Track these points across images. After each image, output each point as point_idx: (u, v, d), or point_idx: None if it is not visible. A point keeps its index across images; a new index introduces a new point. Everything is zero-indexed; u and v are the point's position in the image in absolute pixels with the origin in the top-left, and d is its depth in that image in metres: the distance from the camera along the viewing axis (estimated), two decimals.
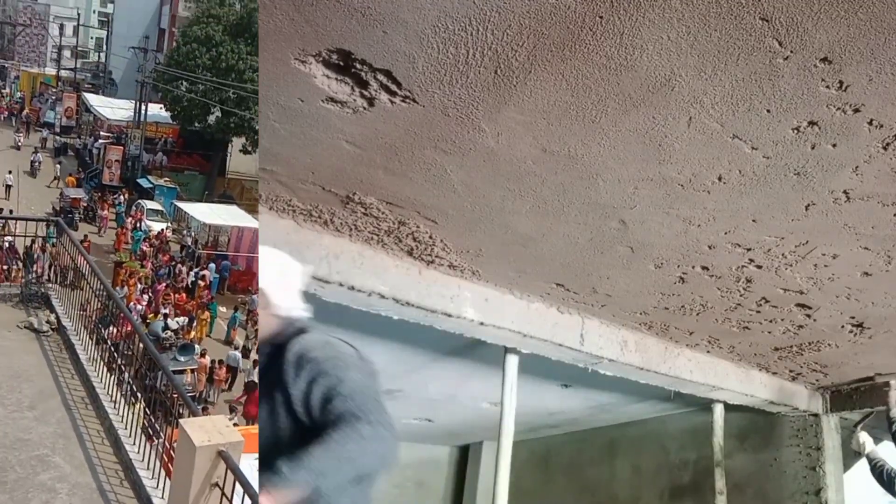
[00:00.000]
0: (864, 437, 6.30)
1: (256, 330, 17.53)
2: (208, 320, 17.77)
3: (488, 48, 2.30)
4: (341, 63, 2.49)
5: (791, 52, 2.16)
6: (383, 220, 3.76)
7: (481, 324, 4.55)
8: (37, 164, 29.59)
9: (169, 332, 14.96)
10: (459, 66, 2.41)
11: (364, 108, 2.73)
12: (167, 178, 29.87)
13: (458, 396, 7.36)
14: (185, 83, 28.57)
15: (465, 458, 10.76)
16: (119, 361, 5.44)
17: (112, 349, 5.60)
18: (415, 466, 10.59)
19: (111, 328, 5.93)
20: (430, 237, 3.96)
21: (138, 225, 24.31)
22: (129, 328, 5.57)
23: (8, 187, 26.11)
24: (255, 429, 9.65)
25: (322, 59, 2.48)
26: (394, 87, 2.57)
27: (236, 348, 16.41)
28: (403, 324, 4.45)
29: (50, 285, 7.00)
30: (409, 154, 3.08)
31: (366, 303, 4.14)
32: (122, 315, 5.60)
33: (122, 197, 27.32)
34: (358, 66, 2.48)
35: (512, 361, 5.20)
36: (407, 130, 2.87)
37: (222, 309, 18.86)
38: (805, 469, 6.96)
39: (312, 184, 3.48)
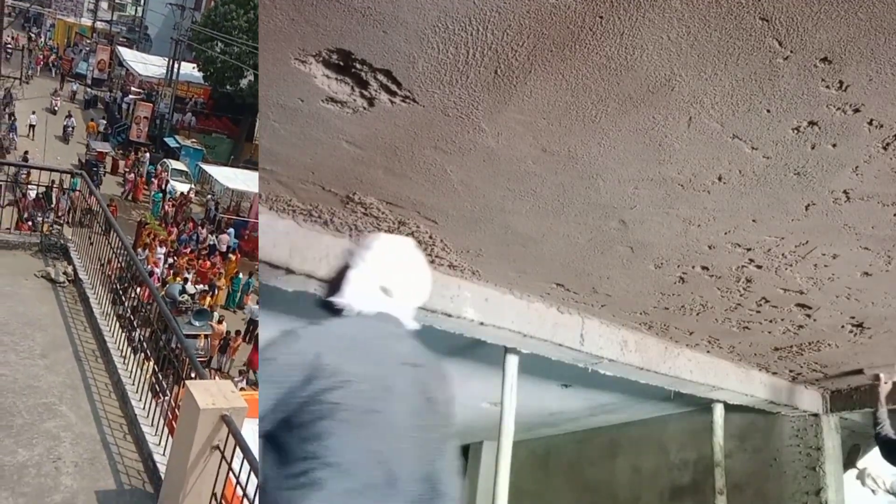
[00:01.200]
0: (876, 472, 6.13)
1: None
2: (225, 288, 17.72)
3: (488, 48, 2.30)
4: (341, 63, 2.49)
5: (791, 52, 2.16)
6: (383, 220, 3.77)
7: (481, 324, 4.55)
8: (70, 129, 28.41)
9: (186, 296, 14.97)
10: (459, 66, 2.41)
11: (364, 108, 2.73)
12: (194, 140, 29.62)
13: (458, 396, 7.33)
14: (220, 44, 28.11)
15: (465, 458, 10.77)
16: (133, 321, 5.44)
17: (129, 311, 5.59)
18: None
19: (129, 290, 5.89)
20: (430, 237, 3.96)
21: (162, 185, 24.06)
22: (147, 290, 5.57)
23: (31, 127, 26.47)
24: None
25: (322, 59, 2.48)
26: (394, 87, 2.57)
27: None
28: None
29: (67, 230, 6.95)
30: (409, 154, 3.08)
31: None
32: (140, 277, 5.59)
33: (147, 155, 27.03)
34: (358, 66, 2.48)
35: (512, 361, 5.20)
36: (407, 130, 2.87)
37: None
38: (805, 469, 6.95)
39: (312, 184, 3.49)
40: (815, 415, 6.96)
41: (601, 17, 2.10)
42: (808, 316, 4.66)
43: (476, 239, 3.94)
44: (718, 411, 7.21)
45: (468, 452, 10.72)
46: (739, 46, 2.16)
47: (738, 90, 2.38)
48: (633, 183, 3.12)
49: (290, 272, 3.79)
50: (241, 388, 10.19)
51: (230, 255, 19.40)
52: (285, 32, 2.36)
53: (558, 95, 2.51)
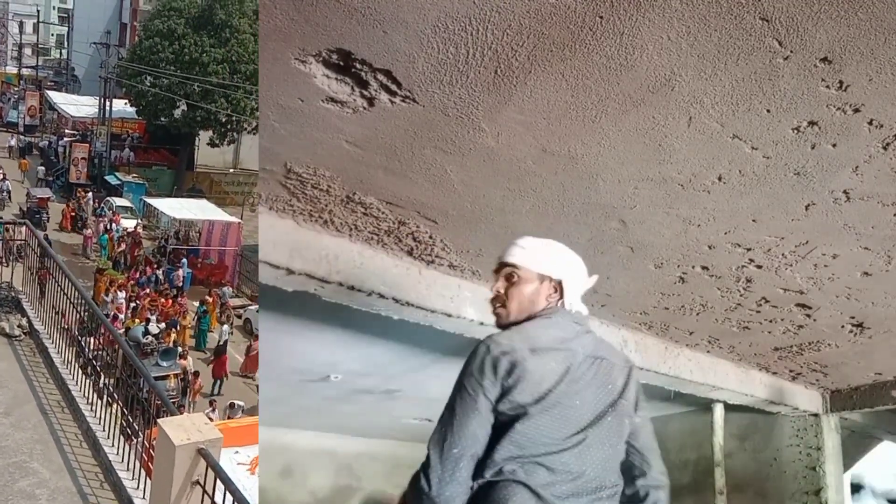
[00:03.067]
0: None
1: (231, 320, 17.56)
2: (189, 326, 17.58)
3: (488, 48, 2.30)
4: (341, 63, 2.49)
5: (791, 52, 2.16)
6: (383, 220, 3.77)
7: (481, 324, 4.54)
8: (5, 192, 26.73)
9: (150, 338, 14.80)
10: (459, 66, 2.41)
11: (364, 108, 2.73)
12: (135, 175, 29.62)
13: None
14: (149, 77, 28.29)
15: None
16: (98, 368, 5.35)
17: (92, 359, 5.50)
18: (416, 466, 10.58)
19: (90, 339, 5.81)
20: (430, 237, 3.96)
21: (109, 226, 23.80)
22: (109, 336, 5.48)
23: None
24: (233, 423, 9.51)
25: (322, 58, 2.48)
26: (394, 87, 2.57)
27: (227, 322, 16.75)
28: (403, 324, 4.44)
29: (17, 281, 6.83)
30: (409, 154, 3.08)
31: (366, 303, 4.14)
32: (102, 323, 5.51)
33: (90, 195, 26.76)
34: (358, 66, 2.48)
35: None
36: (407, 130, 2.87)
37: (195, 302, 18.45)
38: (805, 469, 6.96)
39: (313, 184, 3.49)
40: (815, 415, 6.96)
41: (601, 17, 2.11)
42: (808, 316, 4.66)
43: (476, 239, 3.93)
44: (718, 411, 7.20)
45: None
46: (739, 46, 2.16)
47: (738, 90, 2.38)
48: (633, 183, 3.12)
49: (291, 272, 3.78)
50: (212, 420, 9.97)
51: (208, 297, 19.08)
52: (285, 32, 2.35)
53: (558, 95, 2.51)
